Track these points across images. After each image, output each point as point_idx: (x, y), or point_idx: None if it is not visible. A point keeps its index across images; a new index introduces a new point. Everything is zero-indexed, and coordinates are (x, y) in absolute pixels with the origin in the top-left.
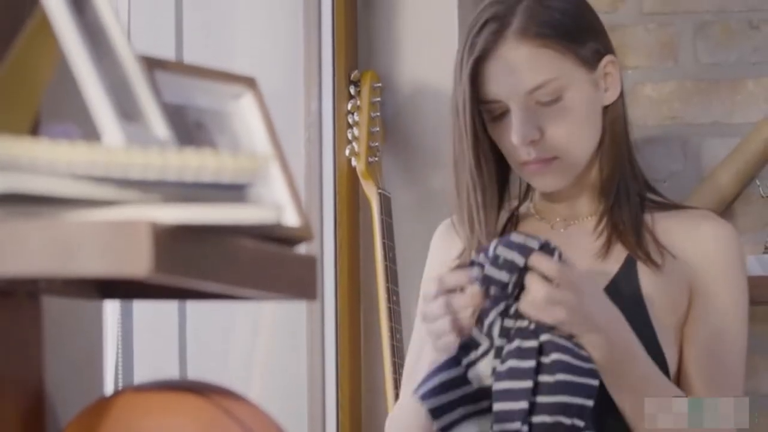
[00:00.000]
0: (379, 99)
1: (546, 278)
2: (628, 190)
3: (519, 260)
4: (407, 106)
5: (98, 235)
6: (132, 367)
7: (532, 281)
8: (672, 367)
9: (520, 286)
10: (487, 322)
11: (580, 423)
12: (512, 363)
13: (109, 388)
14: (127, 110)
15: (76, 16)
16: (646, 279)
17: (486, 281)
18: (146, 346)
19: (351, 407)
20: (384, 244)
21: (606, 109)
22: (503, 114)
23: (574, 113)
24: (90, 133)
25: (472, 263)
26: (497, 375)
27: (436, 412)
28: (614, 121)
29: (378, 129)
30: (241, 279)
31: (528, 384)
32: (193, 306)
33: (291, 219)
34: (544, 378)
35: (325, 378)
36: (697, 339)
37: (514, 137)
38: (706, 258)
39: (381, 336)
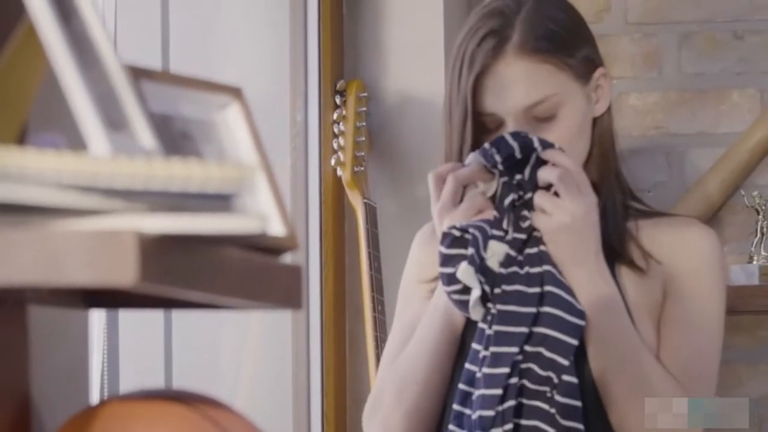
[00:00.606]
0: (364, 109)
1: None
2: (614, 201)
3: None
4: (393, 115)
5: (84, 244)
6: (118, 376)
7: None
8: None
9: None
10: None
11: (564, 361)
12: (518, 287)
13: (94, 398)
14: (114, 120)
15: (63, 25)
16: (627, 282)
17: (496, 145)
18: (132, 355)
19: (336, 416)
20: (369, 253)
21: (595, 120)
22: (497, 127)
23: (567, 128)
24: (76, 142)
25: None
26: (501, 301)
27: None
28: (603, 132)
29: (364, 139)
30: (226, 288)
31: (531, 310)
32: (178, 315)
33: (277, 228)
34: (542, 309)
35: (310, 387)
36: (672, 339)
37: None
38: (687, 261)
39: (366, 345)
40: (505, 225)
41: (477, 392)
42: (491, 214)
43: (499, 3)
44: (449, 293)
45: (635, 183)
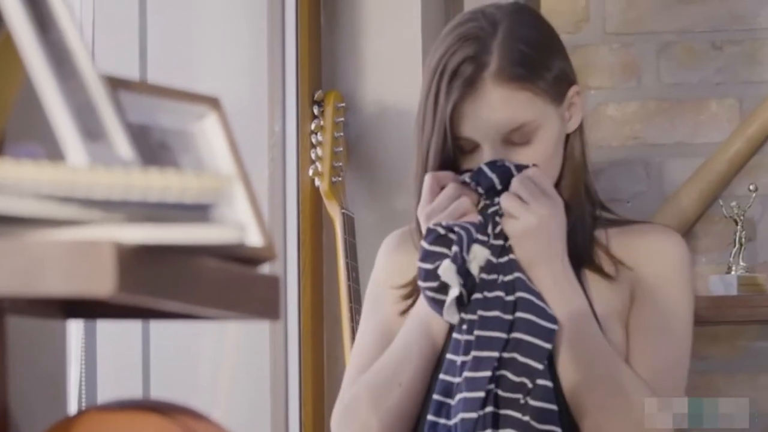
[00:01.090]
0: (342, 119)
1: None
2: (583, 212)
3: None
4: (371, 126)
5: (62, 254)
6: (95, 386)
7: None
8: None
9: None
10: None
11: (538, 365)
12: (491, 294)
13: (72, 408)
14: (91, 130)
15: (40, 35)
16: (599, 291)
17: (475, 179)
18: (110, 365)
19: (314, 426)
20: (347, 264)
21: (567, 136)
22: (472, 149)
23: (543, 151)
24: (54, 153)
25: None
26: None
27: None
28: (574, 147)
29: (341, 149)
30: (204, 299)
31: (509, 317)
32: (156, 326)
33: (254, 239)
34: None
35: (288, 397)
36: (641, 345)
37: None
38: (654, 266)
39: (344, 355)
40: (490, 229)
41: (459, 396)
42: (476, 218)
43: (474, 24)
44: (425, 289)
45: (614, 193)
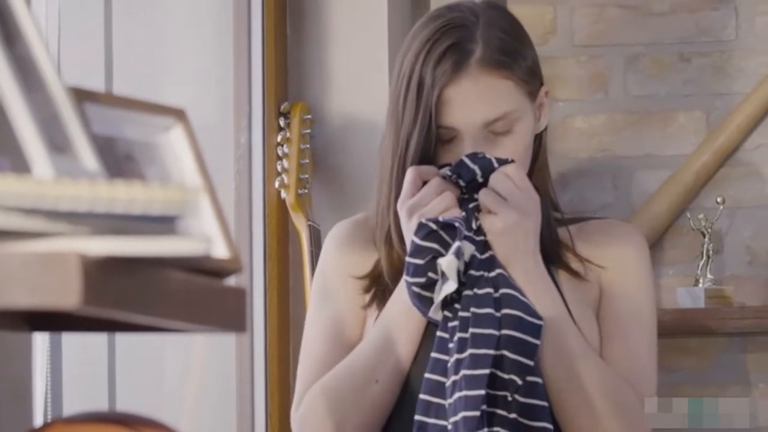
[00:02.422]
0: (309, 131)
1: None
2: (549, 214)
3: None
4: (337, 138)
5: (27, 266)
6: (61, 399)
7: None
8: None
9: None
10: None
11: (529, 362)
12: (478, 291)
13: (38, 421)
14: (57, 142)
15: (6, 48)
16: (569, 288)
17: (456, 171)
18: (75, 378)
19: None
20: (314, 276)
21: (536, 137)
22: (451, 139)
23: (521, 143)
24: (20, 165)
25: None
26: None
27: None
28: (541, 148)
29: (308, 161)
30: (170, 311)
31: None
32: (122, 338)
33: (220, 251)
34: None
35: (254, 410)
36: (611, 342)
37: None
38: (621, 261)
39: None
40: (474, 225)
41: (457, 394)
42: (459, 213)
43: (456, 15)
44: (411, 284)
45: (582, 205)
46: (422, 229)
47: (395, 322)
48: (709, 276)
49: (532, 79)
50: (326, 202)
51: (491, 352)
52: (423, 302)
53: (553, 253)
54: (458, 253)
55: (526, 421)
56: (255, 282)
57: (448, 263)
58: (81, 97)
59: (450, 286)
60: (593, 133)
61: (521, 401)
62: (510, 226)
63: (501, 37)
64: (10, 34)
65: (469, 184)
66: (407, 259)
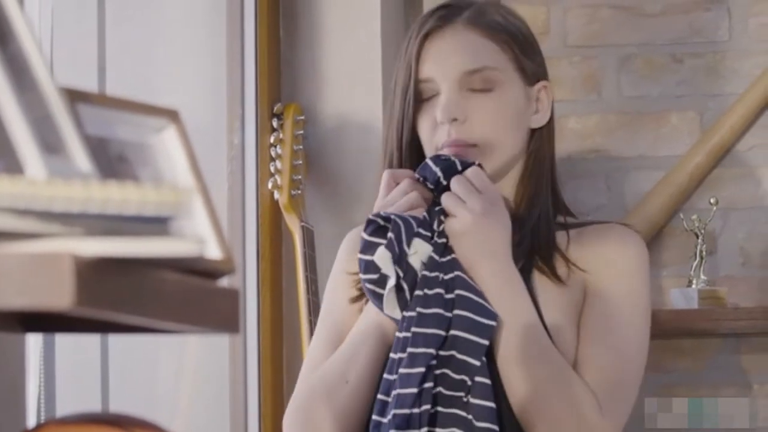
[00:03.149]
0: (302, 132)
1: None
2: (547, 215)
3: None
4: (330, 139)
5: (20, 267)
6: (54, 400)
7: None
8: None
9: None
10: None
11: (475, 362)
12: (429, 292)
13: (31, 421)
14: (50, 143)
15: None
16: (549, 290)
17: (422, 173)
18: (69, 379)
19: None
20: (307, 277)
21: (533, 133)
22: (432, 97)
23: (501, 108)
24: (13, 166)
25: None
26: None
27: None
28: (541, 146)
29: (301, 162)
30: (163, 312)
31: (448, 314)
32: (115, 339)
33: (213, 252)
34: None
35: (247, 411)
36: (589, 346)
37: (438, 113)
38: (607, 264)
39: None
40: (435, 226)
41: (393, 392)
42: (421, 213)
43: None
44: (365, 281)
45: (575, 206)
46: (370, 225)
47: (368, 324)
48: (702, 277)
49: (526, 61)
50: (319, 203)
51: (430, 351)
52: (378, 299)
53: (541, 256)
54: (391, 246)
55: (474, 422)
56: (248, 283)
57: (379, 257)
58: (74, 97)
59: (390, 281)
60: (586, 134)
61: (471, 402)
62: (467, 227)
63: (497, 14)
64: (3, 34)
65: (436, 186)
66: (358, 255)
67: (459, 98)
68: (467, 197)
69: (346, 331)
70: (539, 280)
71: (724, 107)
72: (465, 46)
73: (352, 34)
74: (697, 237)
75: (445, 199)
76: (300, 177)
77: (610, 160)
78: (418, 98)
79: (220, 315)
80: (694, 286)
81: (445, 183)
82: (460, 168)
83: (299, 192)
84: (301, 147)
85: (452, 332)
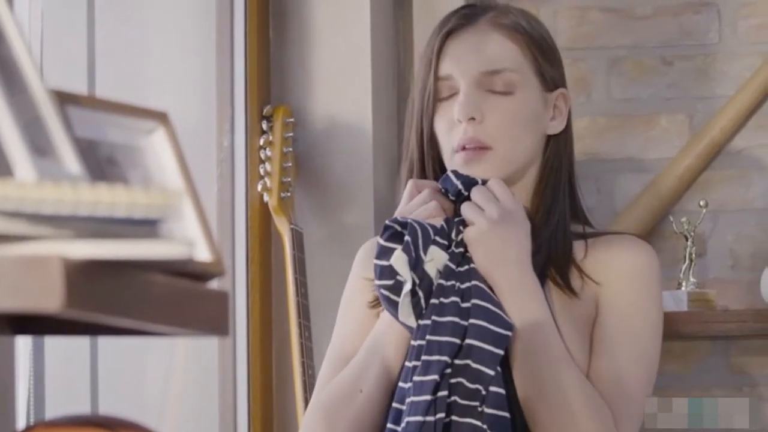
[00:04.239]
0: (291, 134)
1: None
2: (565, 226)
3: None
4: (320, 141)
5: (9, 270)
6: (44, 402)
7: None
8: None
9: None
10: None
11: (490, 371)
12: (446, 300)
13: (20, 424)
14: (40, 145)
15: None
16: (561, 300)
17: (444, 185)
18: (58, 381)
19: None
20: (296, 279)
21: (550, 139)
22: (451, 96)
23: (518, 112)
24: (2, 168)
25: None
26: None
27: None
28: (558, 153)
29: (290, 164)
30: (153, 314)
31: (464, 323)
32: (105, 341)
33: (203, 254)
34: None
35: (236, 413)
36: (601, 357)
37: (456, 111)
38: (619, 277)
39: (293, 371)
40: (453, 236)
41: (407, 399)
42: (439, 222)
43: (476, 2)
44: (379, 287)
45: None
46: (386, 230)
47: (383, 332)
48: (692, 279)
49: (546, 66)
50: (309, 205)
51: (444, 359)
52: (393, 305)
53: (556, 267)
54: (407, 249)
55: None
56: (237, 285)
57: (395, 259)
58: (63, 99)
59: (406, 285)
60: (576, 137)
61: (486, 411)
62: (484, 234)
63: (520, 18)
64: None
65: (458, 198)
66: (374, 261)
67: (477, 98)
68: (486, 205)
69: (362, 339)
70: (553, 291)
71: (714, 110)
72: (486, 46)
73: (342, 36)
74: (687, 239)
75: (465, 208)
76: (289, 179)
77: (599, 162)
78: (436, 96)
79: (210, 317)
80: (683, 288)
81: (466, 194)
82: (479, 182)
83: (289, 194)
84: (290, 149)
85: (467, 341)
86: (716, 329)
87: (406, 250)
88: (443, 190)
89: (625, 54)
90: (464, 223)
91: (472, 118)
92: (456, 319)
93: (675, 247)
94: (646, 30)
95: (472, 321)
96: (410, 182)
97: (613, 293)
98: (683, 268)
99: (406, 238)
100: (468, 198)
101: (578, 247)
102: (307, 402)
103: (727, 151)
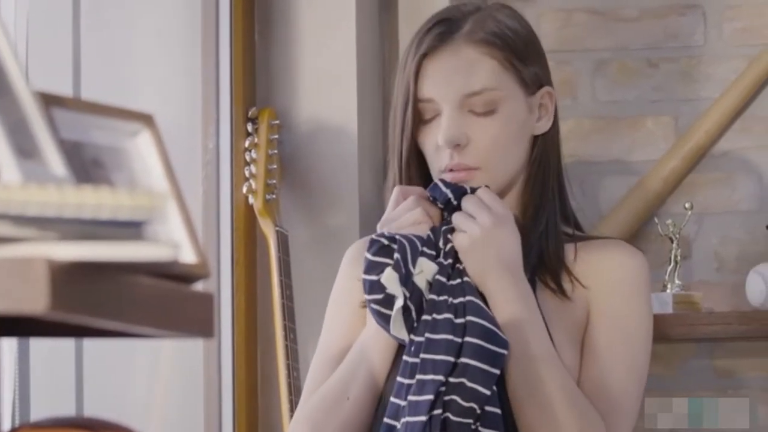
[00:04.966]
0: (276, 136)
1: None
2: (555, 224)
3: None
4: (305, 143)
5: None
6: (29, 404)
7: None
8: None
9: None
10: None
11: (486, 391)
12: (440, 316)
13: (5, 425)
14: (25, 147)
15: None
16: (551, 306)
17: (432, 193)
18: (43, 383)
19: None
20: (281, 281)
21: (537, 138)
22: (434, 118)
23: (503, 129)
24: None
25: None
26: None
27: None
28: (544, 152)
29: (275, 166)
30: (138, 316)
31: (458, 340)
32: (90, 343)
33: (188, 256)
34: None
35: (221, 415)
36: (593, 363)
37: (440, 138)
38: (610, 283)
39: (278, 373)
40: (441, 244)
41: (402, 420)
42: (425, 232)
43: (456, 5)
44: (370, 302)
45: None
46: (374, 245)
47: (369, 340)
48: (677, 282)
49: (527, 71)
50: (294, 207)
51: (439, 377)
52: (384, 319)
53: (548, 267)
54: (398, 266)
55: None
56: (222, 287)
57: (387, 278)
58: (48, 101)
59: (398, 302)
60: (561, 139)
61: (480, 431)
62: (477, 241)
63: (496, 25)
64: None
65: (446, 206)
66: (363, 276)
67: (460, 122)
68: (477, 213)
69: (350, 341)
70: (544, 293)
71: (699, 112)
72: (465, 67)
73: (327, 38)
74: (672, 242)
75: (456, 218)
76: (275, 181)
77: (584, 164)
78: (420, 118)
79: (195, 319)
80: (668, 290)
81: (455, 203)
82: (469, 191)
83: (274, 196)
84: (275, 151)
85: (462, 360)
86: (701, 332)
87: (396, 269)
88: (431, 198)
89: (610, 56)
90: (452, 231)
91: (457, 145)
92: (450, 337)
93: (660, 249)
94: (631, 32)
95: (467, 339)
96: (396, 188)
97: (604, 300)
98: (668, 271)
99: (396, 255)
100: (457, 206)
101: (567, 249)
102: (291, 404)
103: (713, 153)
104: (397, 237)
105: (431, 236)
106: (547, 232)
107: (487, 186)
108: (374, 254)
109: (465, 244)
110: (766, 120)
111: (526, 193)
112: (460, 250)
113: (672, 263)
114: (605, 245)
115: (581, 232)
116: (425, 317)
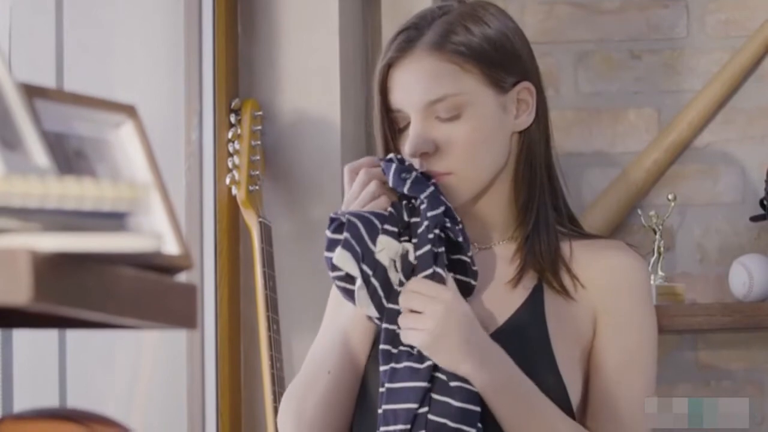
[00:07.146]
0: (260, 128)
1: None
2: (547, 220)
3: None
4: (288, 135)
5: None
6: (12, 395)
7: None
8: (574, 397)
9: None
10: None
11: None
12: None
13: None
14: (7, 139)
15: None
16: (552, 309)
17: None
18: (26, 374)
19: None
20: (264, 272)
21: (521, 134)
22: (407, 126)
23: (472, 131)
24: None
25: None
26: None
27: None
28: (528, 147)
29: (258, 158)
30: (121, 308)
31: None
32: (73, 335)
33: (171, 247)
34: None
35: (205, 406)
36: (605, 369)
37: (406, 148)
38: (614, 288)
39: (261, 364)
40: (405, 217)
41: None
42: (385, 206)
43: (430, 7)
44: (333, 278)
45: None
46: (332, 223)
47: (349, 319)
48: (660, 273)
49: (495, 71)
50: (277, 198)
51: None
52: (349, 295)
53: (546, 265)
54: (347, 245)
55: None
56: (206, 279)
57: (338, 258)
58: (31, 93)
59: (357, 282)
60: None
61: None
62: (437, 336)
63: (460, 29)
64: None
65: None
66: (324, 254)
67: (427, 130)
68: (424, 307)
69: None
70: (549, 296)
71: (682, 104)
72: (425, 75)
73: (310, 30)
74: (655, 233)
75: (403, 320)
76: (258, 173)
77: (567, 156)
78: (395, 127)
79: (178, 311)
80: (651, 282)
81: (406, 192)
82: (418, 174)
83: (257, 188)
84: (258, 143)
85: (434, 418)
86: (684, 323)
87: (346, 246)
88: (379, 166)
89: (592, 48)
90: (413, 211)
91: (425, 153)
92: (413, 384)
93: (643, 240)
94: (613, 24)
95: (437, 397)
96: (346, 168)
97: (613, 315)
98: (651, 262)
99: (345, 234)
100: (410, 200)
101: (562, 246)
102: (275, 395)
103: (695, 145)
104: (347, 216)
105: (393, 212)
106: (538, 227)
107: (434, 183)
108: (333, 231)
109: (427, 341)
110: (748, 112)
111: (515, 190)
112: (423, 348)
113: (655, 255)
114: (605, 247)
115: (578, 228)
116: (384, 367)
